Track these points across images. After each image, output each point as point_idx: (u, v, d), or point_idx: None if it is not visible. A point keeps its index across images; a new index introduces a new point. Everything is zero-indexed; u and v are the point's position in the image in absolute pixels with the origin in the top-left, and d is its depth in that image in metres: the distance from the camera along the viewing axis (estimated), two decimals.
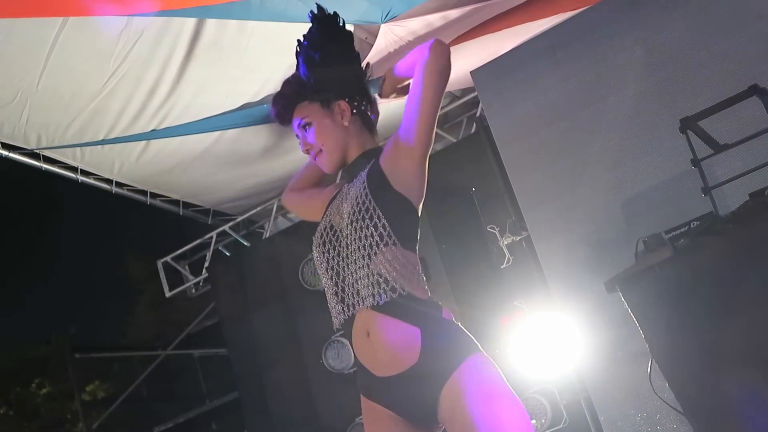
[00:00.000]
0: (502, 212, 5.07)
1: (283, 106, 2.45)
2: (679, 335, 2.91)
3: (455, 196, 5.13)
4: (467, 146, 5.64)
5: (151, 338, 12.27)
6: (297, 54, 2.47)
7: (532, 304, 4.82)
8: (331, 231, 2.33)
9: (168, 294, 7.02)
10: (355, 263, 2.23)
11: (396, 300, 2.19)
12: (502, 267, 5.10)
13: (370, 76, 2.51)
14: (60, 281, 14.57)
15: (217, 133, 5.33)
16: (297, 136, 2.46)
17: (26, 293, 14.35)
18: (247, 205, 6.74)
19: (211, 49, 4.40)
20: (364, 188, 2.28)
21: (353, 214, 2.26)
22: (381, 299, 2.19)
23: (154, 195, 6.13)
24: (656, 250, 2.97)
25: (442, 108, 6.03)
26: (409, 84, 2.43)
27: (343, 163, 2.42)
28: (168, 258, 7.00)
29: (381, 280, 2.19)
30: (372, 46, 4.49)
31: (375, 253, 2.20)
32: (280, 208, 6.71)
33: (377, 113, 2.53)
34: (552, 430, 4.82)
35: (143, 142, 5.21)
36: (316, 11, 2.47)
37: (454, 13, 4.44)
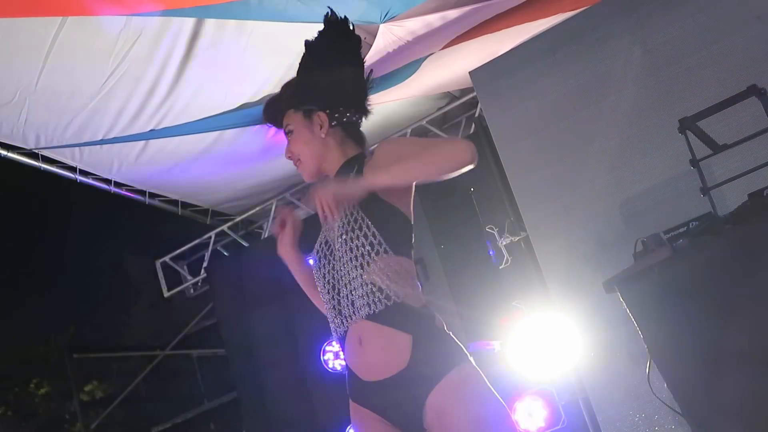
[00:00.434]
0: (500, 212, 5.06)
1: (275, 110, 2.49)
2: (678, 336, 2.91)
3: (454, 196, 5.12)
4: None
5: (150, 338, 12.26)
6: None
7: (530, 305, 4.81)
8: (326, 246, 2.36)
9: (166, 294, 7.01)
10: (349, 274, 2.25)
11: (390, 308, 2.20)
12: (500, 267, 5.10)
13: (370, 82, 2.49)
14: (58, 281, 14.56)
15: (215, 133, 5.33)
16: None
17: (24, 293, 14.34)
18: (245, 205, 6.73)
19: (210, 49, 4.39)
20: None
21: (343, 227, 2.27)
22: (376, 308, 2.20)
23: (152, 195, 6.13)
24: (655, 251, 2.96)
25: (441, 109, 6.03)
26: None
27: (321, 173, 2.43)
28: (166, 258, 6.99)
29: (375, 289, 2.20)
30: (371, 46, 4.49)
31: (368, 263, 2.22)
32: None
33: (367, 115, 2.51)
34: (550, 430, 4.81)
35: (142, 142, 5.21)
36: (329, 14, 2.47)
37: (453, 14, 4.44)
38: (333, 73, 2.42)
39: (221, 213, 6.86)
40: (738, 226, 2.91)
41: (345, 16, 2.49)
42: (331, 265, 2.32)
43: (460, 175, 2.23)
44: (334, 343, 5.74)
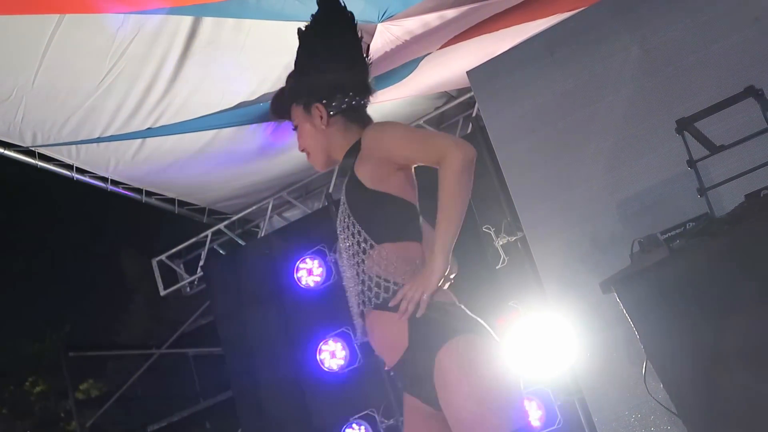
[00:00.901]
0: (497, 212, 5.07)
1: (281, 105, 2.53)
2: (675, 336, 2.91)
3: None
4: None
5: (146, 337, 12.22)
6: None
7: (527, 305, 4.82)
8: (338, 252, 2.43)
9: (163, 293, 7.00)
10: (352, 270, 2.32)
11: (390, 296, 2.25)
12: (497, 267, 5.10)
13: (369, 59, 2.49)
14: (54, 279, 14.52)
15: (212, 132, 5.33)
16: None
17: (20, 291, 14.31)
18: (242, 203, 6.72)
19: (207, 48, 4.39)
20: (344, 197, 2.35)
21: (340, 225, 2.36)
22: (378, 299, 2.26)
23: (149, 193, 6.12)
24: (652, 251, 2.96)
25: (438, 108, 6.03)
26: None
27: (332, 162, 2.49)
28: (163, 256, 6.99)
29: (373, 284, 2.27)
30: (368, 45, 4.48)
31: (362, 260, 2.29)
32: (276, 207, 6.70)
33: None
34: (546, 430, 4.82)
35: (139, 141, 5.20)
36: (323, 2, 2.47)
37: (450, 13, 4.44)
38: (325, 61, 2.42)
39: (218, 212, 6.85)
40: (735, 227, 2.90)
41: (343, 4, 2.48)
42: (343, 268, 2.39)
43: None
44: (330, 342, 5.74)
